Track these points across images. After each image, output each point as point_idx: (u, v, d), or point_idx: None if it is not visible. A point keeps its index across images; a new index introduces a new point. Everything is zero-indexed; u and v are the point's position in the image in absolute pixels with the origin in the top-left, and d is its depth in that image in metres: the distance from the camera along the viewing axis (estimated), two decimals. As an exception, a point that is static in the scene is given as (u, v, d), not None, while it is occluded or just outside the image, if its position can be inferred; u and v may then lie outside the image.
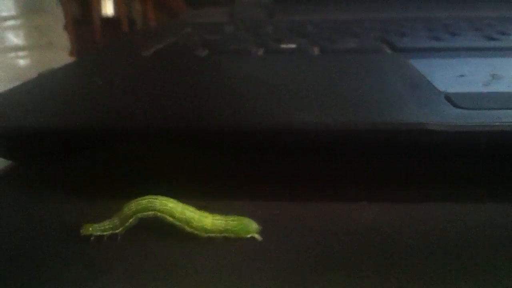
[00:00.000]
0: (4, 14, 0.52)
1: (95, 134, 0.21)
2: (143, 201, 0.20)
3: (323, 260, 0.20)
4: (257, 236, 0.20)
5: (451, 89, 0.24)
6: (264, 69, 0.31)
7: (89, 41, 0.99)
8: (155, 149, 0.21)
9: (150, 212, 0.20)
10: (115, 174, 0.22)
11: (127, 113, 0.22)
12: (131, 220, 0.21)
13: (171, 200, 0.21)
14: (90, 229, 0.20)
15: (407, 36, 0.42)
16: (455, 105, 0.22)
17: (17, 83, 0.51)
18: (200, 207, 0.22)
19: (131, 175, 0.23)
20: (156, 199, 0.20)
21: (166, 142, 0.21)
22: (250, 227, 0.20)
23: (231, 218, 0.20)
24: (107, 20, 1.13)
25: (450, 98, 0.23)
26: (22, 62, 0.52)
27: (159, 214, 0.20)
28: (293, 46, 0.38)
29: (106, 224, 0.21)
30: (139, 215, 0.20)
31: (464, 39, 0.40)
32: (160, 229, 0.21)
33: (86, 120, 0.22)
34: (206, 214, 0.21)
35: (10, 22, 0.52)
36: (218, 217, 0.20)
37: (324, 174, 0.22)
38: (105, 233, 0.21)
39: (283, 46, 0.38)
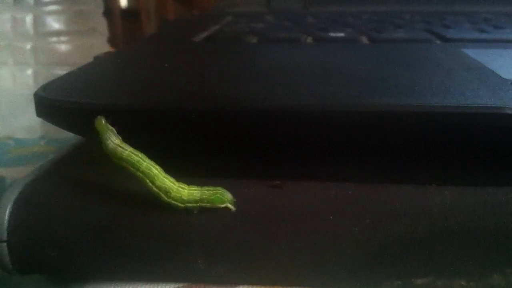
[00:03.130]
0: (46, -1, 0.52)
1: (168, 113, 0.22)
2: (135, 157, 0.21)
3: (400, 241, 0.20)
4: (230, 206, 0.21)
5: (516, 77, 0.25)
6: (325, 54, 0.32)
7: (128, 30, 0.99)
8: (237, 129, 0.22)
9: (132, 169, 0.21)
10: (183, 152, 0.23)
11: (203, 94, 0.23)
12: (114, 159, 0.21)
13: (157, 167, 0.21)
14: (111, 135, 0.21)
15: (452, 28, 0.42)
16: (525, 92, 0.22)
17: (57, 67, 0.52)
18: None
19: (200, 154, 0.23)
20: (144, 161, 0.21)
21: (250, 122, 0.21)
22: (224, 197, 0.21)
23: (206, 188, 0.21)
24: (133, 11, 1.14)
25: (518, 85, 0.23)
26: (63, 47, 0.53)
27: (140, 175, 0.21)
28: (341, 35, 0.39)
29: (116, 146, 0.21)
30: (124, 164, 0.21)
31: (510, 32, 0.40)
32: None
33: (157, 100, 0.22)
34: (183, 185, 0.21)
35: (52, 7, 0.52)
36: (194, 187, 0.21)
37: (396, 156, 0.22)
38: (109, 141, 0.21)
39: (332, 34, 0.39)
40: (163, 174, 0.21)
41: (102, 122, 0.21)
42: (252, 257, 0.21)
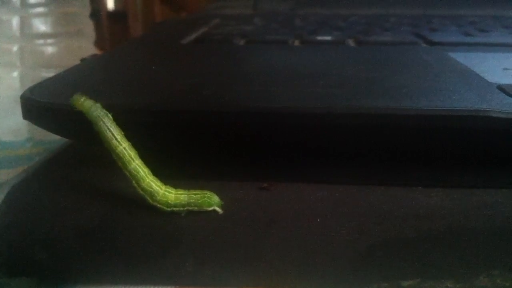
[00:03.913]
0: (33, 1, 0.52)
1: (157, 115, 0.21)
2: (127, 154, 0.21)
3: (387, 243, 0.20)
4: (218, 209, 0.21)
5: (501, 81, 0.25)
6: (313, 57, 0.32)
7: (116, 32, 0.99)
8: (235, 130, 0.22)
9: (120, 165, 0.21)
10: (171, 154, 0.23)
11: (192, 96, 0.23)
12: (105, 145, 0.21)
13: (145, 169, 0.21)
14: (81, 100, 0.20)
15: (438, 31, 0.42)
16: (510, 95, 0.22)
17: (44, 69, 0.52)
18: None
19: (190, 155, 0.23)
20: (134, 161, 0.21)
21: (238, 124, 0.21)
22: (212, 200, 0.21)
23: (193, 192, 0.21)
24: (120, 13, 1.13)
25: (503, 89, 0.23)
26: (50, 49, 0.53)
27: (127, 173, 0.21)
28: (328, 38, 0.39)
29: (94, 109, 0.20)
30: (115, 156, 0.21)
31: (496, 35, 0.41)
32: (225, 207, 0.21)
33: (145, 101, 0.22)
34: (170, 189, 0.21)
35: (39, 9, 0.52)
36: (181, 191, 0.21)
37: (383, 159, 0.22)
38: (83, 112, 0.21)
39: (319, 38, 0.39)
40: (150, 177, 0.21)
41: (80, 100, 0.21)
42: (240, 259, 0.21)
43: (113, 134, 0.21)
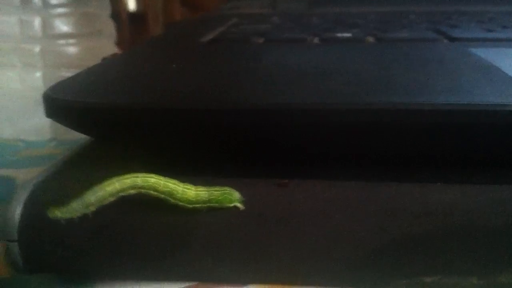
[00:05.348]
0: (54, 2, 0.52)
1: (177, 113, 0.22)
2: (127, 180, 0.20)
3: (402, 241, 0.20)
4: (239, 205, 0.21)
5: (523, 76, 0.25)
6: (333, 55, 0.32)
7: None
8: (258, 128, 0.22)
9: (132, 191, 0.21)
10: (189, 151, 0.23)
11: (211, 94, 0.23)
12: (111, 199, 0.21)
13: (153, 175, 0.21)
14: (56, 212, 0.20)
15: (458, 27, 0.42)
16: (532, 90, 0.22)
17: (66, 70, 0.52)
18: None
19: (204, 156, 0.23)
20: (137, 177, 0.21)
21: (264, 122, 0.21)
22: (233, 197, 0.21)
23: (214, 189, 0.21)
24: (140, 14, 1.14)
25: (525, 84, 0.23)
26: (71, 50, 0.53)
27: (142, 191, 0.21)
28: (348, 35, 0.39)
29: (75, 205, 0.20)
30: (122, 193, 0.21)
31: (518, 31, 0.40)
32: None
33: (166, 99, 0.23)
34: (189, 186, 0.21)
35: (60, 10, 0.53)
36: (201, 188, 0.21)
37: (399, 155, 0.22)
38: (75, 215, 0.21)
39: (339, 35, 0.39)
40: (163, 179, 0.21)
41: (55, 213, 0.21)
42: (260, 256, 0.21)
43: (102, 186, 0.20)
